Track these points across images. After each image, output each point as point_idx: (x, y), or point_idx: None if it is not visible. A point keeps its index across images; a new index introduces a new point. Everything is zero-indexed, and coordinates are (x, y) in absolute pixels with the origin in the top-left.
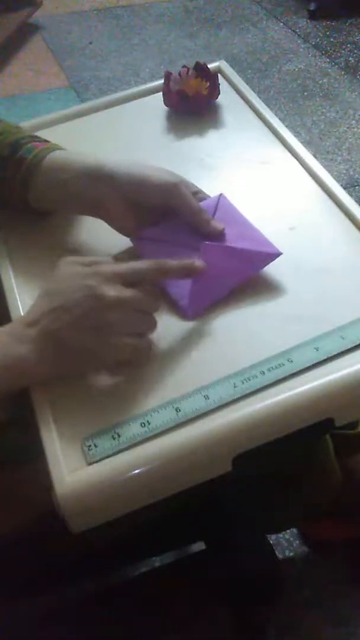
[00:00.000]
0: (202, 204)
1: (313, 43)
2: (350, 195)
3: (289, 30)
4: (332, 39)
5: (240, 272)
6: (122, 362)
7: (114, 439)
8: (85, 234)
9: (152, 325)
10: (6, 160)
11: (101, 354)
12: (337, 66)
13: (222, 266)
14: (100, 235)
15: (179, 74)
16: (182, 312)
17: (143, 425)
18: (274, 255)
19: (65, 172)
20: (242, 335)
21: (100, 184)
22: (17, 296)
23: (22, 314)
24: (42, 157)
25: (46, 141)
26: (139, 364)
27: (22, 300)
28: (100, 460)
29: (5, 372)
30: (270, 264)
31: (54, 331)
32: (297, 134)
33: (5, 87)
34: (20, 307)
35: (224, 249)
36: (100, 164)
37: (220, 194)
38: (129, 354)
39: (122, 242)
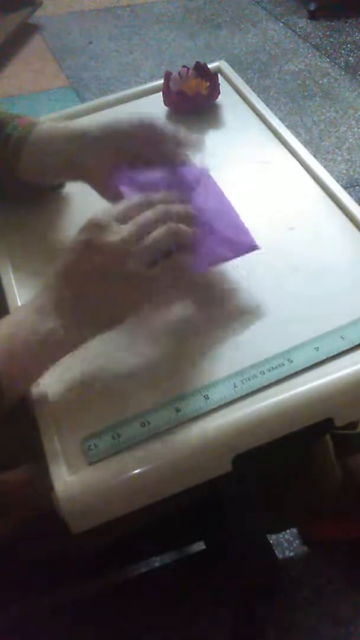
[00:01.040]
0: (184, 170)
1: (313, 43)
2: (350, 195)
3: (289, 30)
4: (332, 39)
5: (213, 254)
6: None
7: (114, 439)
8: None
9: (185, 231)
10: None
11: (137, 293)
12: (337, 66)
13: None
14: None
15: (179, 74)
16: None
17: (143, 425)
18: (250, 247)
19: (52, 143)
20: (242, 335)
21: (86, 149)
22: (17, 294)
23: None
24: (29, 132)
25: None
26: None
27: (22, 297)
28: (100, 460)
29: (40, 348)
30: (271, 263)
31: (74, 292)
32: (297, 134)
33: (5, 87)
34: (19, 304)
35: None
36: (83, 130)
37: (205, 169)
38: (171, 278)
39: None
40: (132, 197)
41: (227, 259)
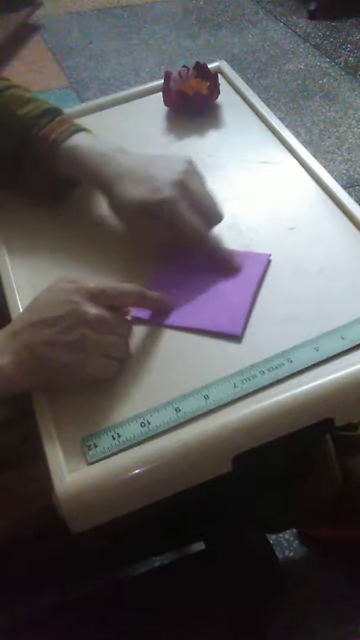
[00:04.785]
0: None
1: (313, 43)
2: (350, 195)
3: (289, 30)
4: (332, 39)
5: (193, 315)
6: (97, 381)
7: (114, 439)
8: (85, 235)
9: (127, 351)
10: (20, 156)
11: (78, 370)
12: (337, 66)
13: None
14: (99, 237)
15: (179, 74)
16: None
17: (143, 425)
18: (232, 330)
19: (77, 170)
20: (242, 335)
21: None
22: (17, 294)
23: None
24: (56, 149)
25: (52, 117)
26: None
27: (22, 300)
28: (100, 460)
29: None
30: (271, 263)
31: (33, 345)
32: (297, 134)
33: None
34: (20, 306)
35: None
36: (104, 178)
37: (266, 255)
38: (105, 374)
39: (121, 241)
40: (129, 285)
41: (204, 327)
